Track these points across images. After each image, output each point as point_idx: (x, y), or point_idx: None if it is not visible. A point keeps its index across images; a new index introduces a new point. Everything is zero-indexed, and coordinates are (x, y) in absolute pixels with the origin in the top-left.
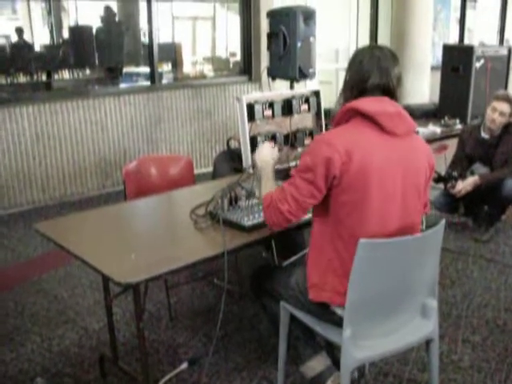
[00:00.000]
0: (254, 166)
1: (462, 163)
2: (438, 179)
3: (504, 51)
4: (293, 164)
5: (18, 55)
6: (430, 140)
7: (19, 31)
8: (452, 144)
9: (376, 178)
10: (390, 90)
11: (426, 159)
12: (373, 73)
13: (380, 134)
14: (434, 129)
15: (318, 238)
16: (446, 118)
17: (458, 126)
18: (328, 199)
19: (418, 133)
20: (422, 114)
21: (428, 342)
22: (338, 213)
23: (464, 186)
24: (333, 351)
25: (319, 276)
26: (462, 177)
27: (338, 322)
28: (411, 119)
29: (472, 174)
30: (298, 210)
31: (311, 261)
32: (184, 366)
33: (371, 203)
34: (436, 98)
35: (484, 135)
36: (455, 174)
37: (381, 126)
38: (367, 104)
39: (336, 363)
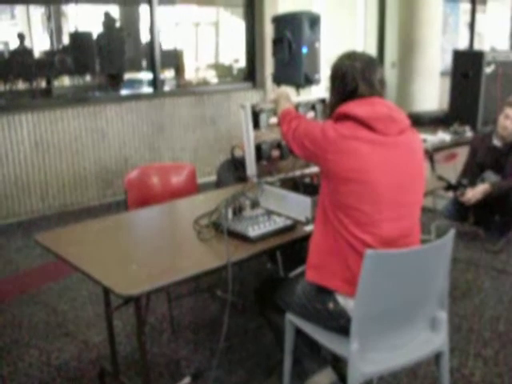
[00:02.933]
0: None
1: (472, 171)
2: (448, 187)
3: None
4: (298, 173)
5: (17, 61)
6: (439, 148)
7: (20, 37)
8: (462, 152)
9: (375, 174)
10: (376, 95)
11: (421, 155)
12: (358, 86)
13: (372, 133)
14: (443, 136)
15: (322, 222)
16: (456, 125)
17: (468, 134)
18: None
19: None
20: (431, 121)
21: (438, 356)
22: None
23: (474, 194)
24: (339, 366)
25: (319, 257)
26: (473, 185)
27: (343, 328)
28: (404, 116)
29: (483, 181)
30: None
31: (314, 241)
32: (187, 380)
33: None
34: (445, 105)
35: (496, 143)
36: (465, 181)
37: (373, 128)
38: (358, 108)
39: (342, 379)
